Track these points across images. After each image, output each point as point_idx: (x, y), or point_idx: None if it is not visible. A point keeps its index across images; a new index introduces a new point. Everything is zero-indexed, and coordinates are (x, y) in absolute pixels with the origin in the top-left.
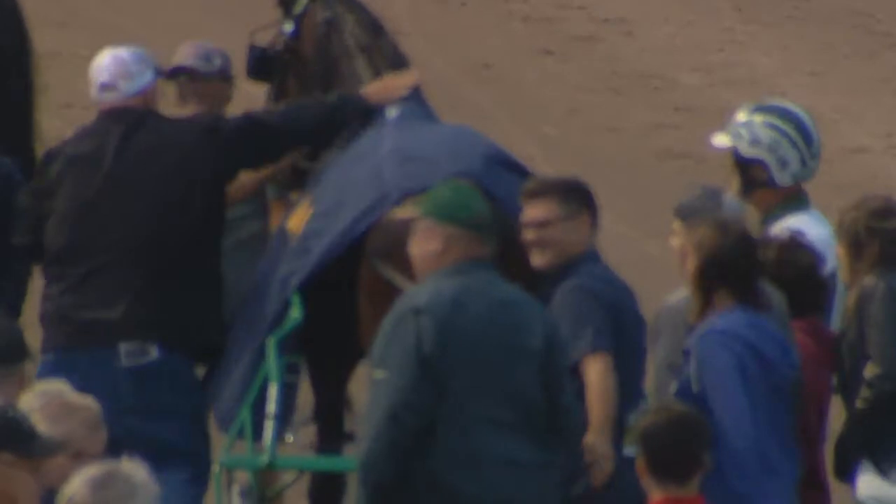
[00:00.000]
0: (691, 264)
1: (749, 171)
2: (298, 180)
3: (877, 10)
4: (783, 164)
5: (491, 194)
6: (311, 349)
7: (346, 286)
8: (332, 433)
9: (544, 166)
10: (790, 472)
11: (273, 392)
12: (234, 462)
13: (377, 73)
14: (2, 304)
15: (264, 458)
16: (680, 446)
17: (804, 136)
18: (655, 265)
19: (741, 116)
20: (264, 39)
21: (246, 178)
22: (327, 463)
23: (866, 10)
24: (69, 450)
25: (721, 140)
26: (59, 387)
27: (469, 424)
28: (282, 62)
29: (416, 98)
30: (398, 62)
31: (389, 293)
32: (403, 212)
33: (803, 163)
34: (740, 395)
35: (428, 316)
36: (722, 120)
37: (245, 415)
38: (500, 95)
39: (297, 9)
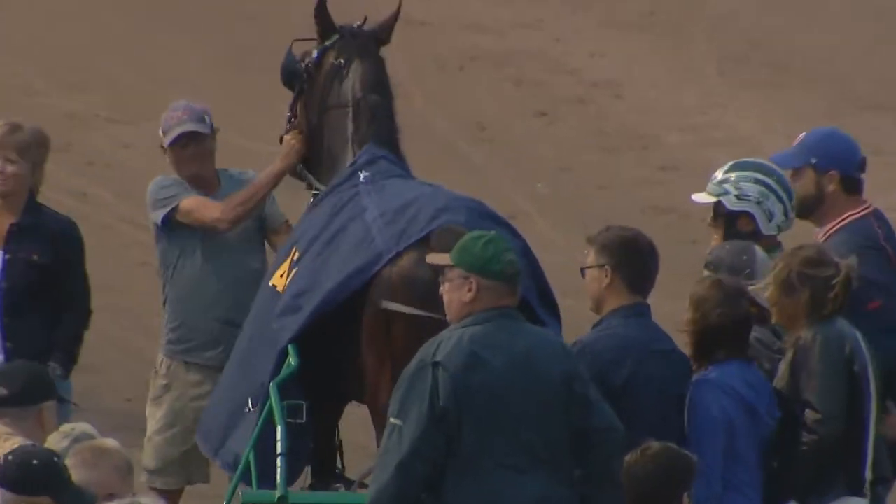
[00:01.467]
0: (688, 320)
1: (735, 224)
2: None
3: (849, 77)
4: (770, 215)
5: None
6: (306, 395)
7: (335, 339)
8: (325, 474)
9: (538, 221)
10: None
11: (280, 433)
12: (252, 497)
13: (357, 128)
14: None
15: (277, 494)
16: (659, 482)
17: (786, 189)
18: None
19: (723, 173)
20: (300, 51)
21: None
22: (335, 498)
23: (839, 77)
24: (102, 493)
25: (703, 197)
26: (85, 428)
27: (480, 472)
28: (301, 80)
29: (388, 157)
30: (375, 117)
31: (389, 336)
32: (433, 258)
33: (786, 214)
34: (717, 447)
35: (445, 370)
36: (705, 177)
37: (250, 456)
38: (495, 154)
39: (327, 41)
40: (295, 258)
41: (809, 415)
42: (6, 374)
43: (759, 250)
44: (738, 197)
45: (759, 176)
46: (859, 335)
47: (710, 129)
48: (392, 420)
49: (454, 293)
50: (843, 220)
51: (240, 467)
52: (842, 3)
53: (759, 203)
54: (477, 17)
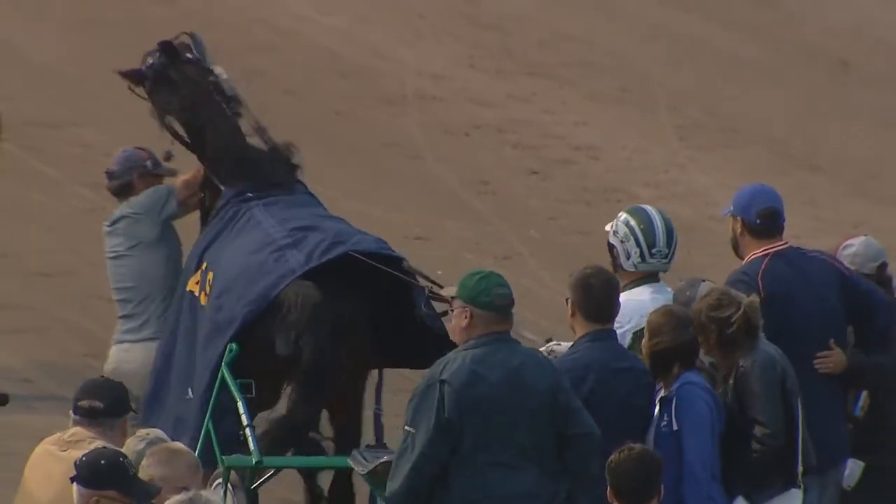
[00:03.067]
0: (644, 342)
1: (612, 255)
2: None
3: (790, 139)
4: (627, 255)
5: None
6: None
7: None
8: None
9: (530, 261)
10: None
11: (241, 408)
12: (233, 462)
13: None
14: None
15: (253, 458)
16: (640, 477)
17: (649, 237)
18: None
19: (622, 213)
20: None
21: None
22: (304, 462)
23: (781, 139)
24: (176, 486)
25: (608, 227)
26: (157, 433)
27: (477, 470)
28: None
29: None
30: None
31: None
32: (445, 291)
33: (642, 258)
34: (708, 439)
35: (450, 386)
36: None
37: (210, 428)
38: (495, 205)
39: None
40: (205, 269)
41: (758, 429)
42: (98, 390)
43: (705, 285)
44: (614, 233)
45: (631, 220)
46: (785, 357)
47: (672, 184)
48: (407, 427)
49: (456, 320)
50: (747, 258)
51: (200, 440)
52: (781, 81)
53: (622, 242)
54: (480, 92)
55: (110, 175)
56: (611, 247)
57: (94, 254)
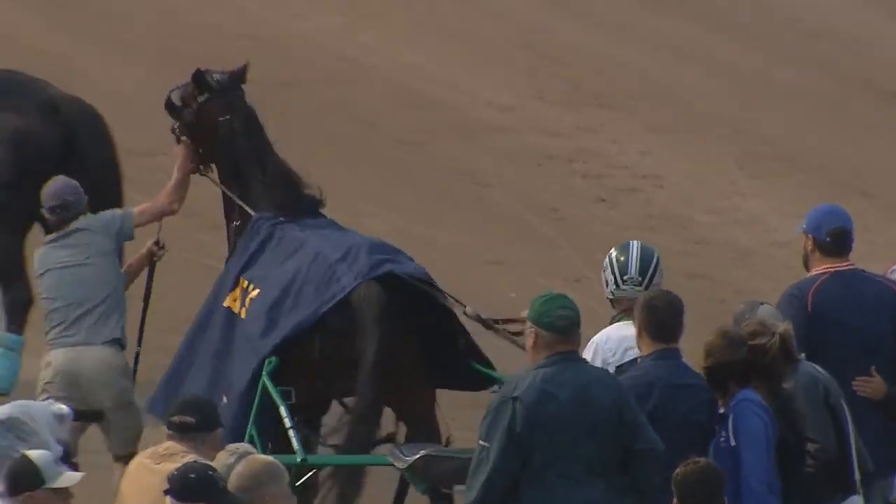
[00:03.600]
0: (700, 364)
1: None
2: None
3: (842, 166)
4: (606, 284)
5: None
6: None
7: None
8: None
9: (596, 285)
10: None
11: (283, 411)
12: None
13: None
14: None
15: (298, 457)
16: (704, 490)
17: (622, 266)
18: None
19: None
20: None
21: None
22: (346, 460)
23: (834, 166)
24: (264, 496)
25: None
26: (246, 447)
27: (546, 483)
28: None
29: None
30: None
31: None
32: (522, 315)
33: (616, 286)
34: (764, 453)
35: (521, 403)
36: (729, 250)
37: (252, 432)
38: (564, 232)
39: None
40: (246, 287)
41: (810, 445)
42: (192, 406)
43: (763, 308)
44: (603, 269)
45: (613, 252)
46: (827, 373)
47: (732, 211)
48: (481, 442)
49: (527, 340)
50: (810, 274)
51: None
52: (835, 112)
53: (603, 271)
54: (551, 124)
55: (65, 207)
56: (605, 282)
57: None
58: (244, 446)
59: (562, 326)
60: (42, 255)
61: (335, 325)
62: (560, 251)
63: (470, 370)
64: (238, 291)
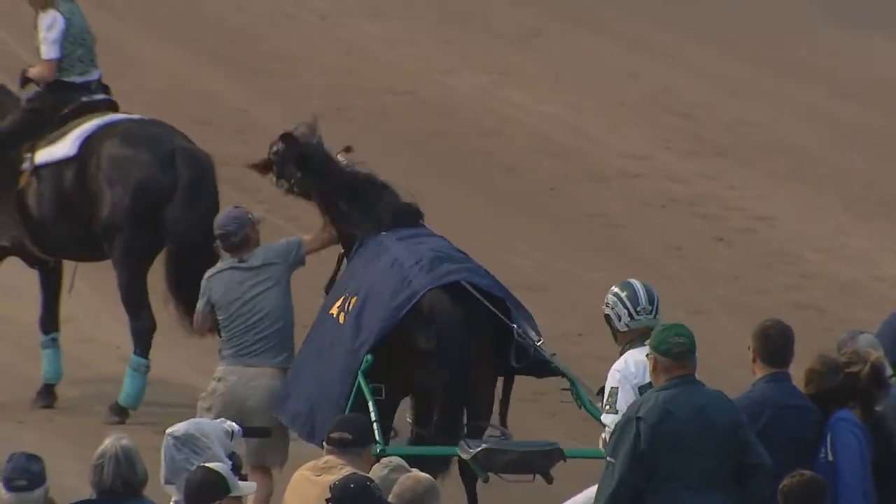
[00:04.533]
0: (803, 388)
1: (610, 325)
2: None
3: None
4: (619, 318)
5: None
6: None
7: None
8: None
9: (718, 316)
10: None
11: (371, 406)
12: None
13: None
14: None
15: (378, 448)
16: (808, 500)
17: (633, 300)
18: None
19: (613, 287)
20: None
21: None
22: (420, 450)
23: None
24: None
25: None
26: (399, 461)
27: (670, 492)
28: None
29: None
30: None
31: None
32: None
33: (631, 317)
34: (860, 467)
35: (645, 423)
36: (835, 285)
37: None
38: (686, 268)
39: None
40: (347, 296)
41: None
42: (349, 424)
43: (863, 337)
44: (605, 305)
45: (616, 290)
46: None
47: (839, 248)
48: (608, 459)
49: (649, 365)
50: None
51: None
52: None
53: (612, 309)
54: (674, 171)
55: (225, 236)
56: (607, 319)
57: None
58: (396, 460)
59: (677, 353)
60: (226, 280)
61: (412, 327)
62: (682, 286)
63: (534, 360)
64: (342, 301)
